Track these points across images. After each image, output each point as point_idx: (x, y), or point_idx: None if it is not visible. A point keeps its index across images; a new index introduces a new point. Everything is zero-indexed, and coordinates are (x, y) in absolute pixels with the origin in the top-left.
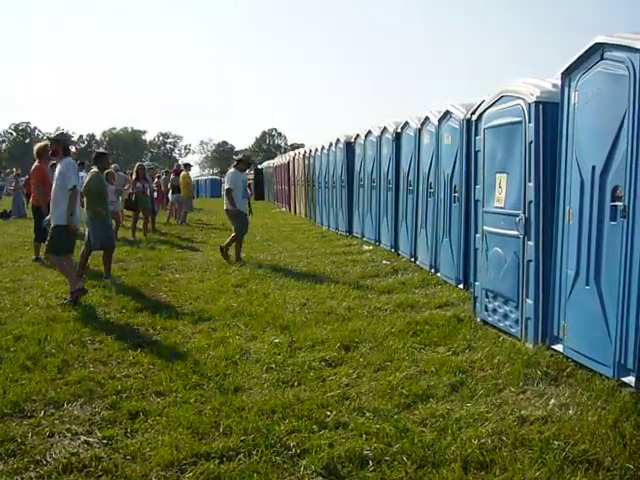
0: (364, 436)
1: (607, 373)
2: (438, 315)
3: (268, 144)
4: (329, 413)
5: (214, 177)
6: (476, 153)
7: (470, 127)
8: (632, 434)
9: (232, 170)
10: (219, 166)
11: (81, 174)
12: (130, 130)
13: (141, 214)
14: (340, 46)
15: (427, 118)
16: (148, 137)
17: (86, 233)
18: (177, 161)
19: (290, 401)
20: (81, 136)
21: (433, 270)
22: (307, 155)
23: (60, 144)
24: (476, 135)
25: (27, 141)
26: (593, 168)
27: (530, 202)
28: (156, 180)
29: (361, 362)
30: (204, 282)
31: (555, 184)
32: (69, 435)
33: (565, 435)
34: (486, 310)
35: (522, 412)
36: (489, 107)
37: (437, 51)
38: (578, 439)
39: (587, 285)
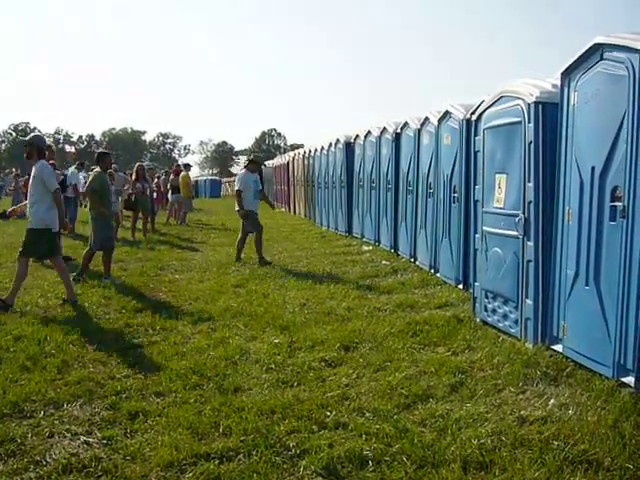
0: (364, 436)
1: (607, 373)
2: (438, 315)
3: (268, 144)
4: (329, 413)
5: (214, 177)
6: (476, 153)
7: (470, 127)
8: (632, 434)
9: (243, 171)
10: (219, 166)
11: (81, 174)
12: (130, 130)
13: (141, 214)
14: (340, 46)
15: (427, 118)
16: (148, 137)
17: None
18: (177, 161)
19: (290, 401)
20: (81, 136)
21: (433, 270)
22: (307, 155)
23: (34, 147)
24: (476, 135)
25: None
26: (593, 168)
27: (530, 202)
28: (156, 180)
29: (361, 362)
30: (204, 282)
31: (555, 184)
32: (69, 435)
33: (565, 435)
34: (486, 310)
35: (522, 412)
36: (489, 107)
37: (437, 51)
38: (578, 439)
39: (587, 285)
